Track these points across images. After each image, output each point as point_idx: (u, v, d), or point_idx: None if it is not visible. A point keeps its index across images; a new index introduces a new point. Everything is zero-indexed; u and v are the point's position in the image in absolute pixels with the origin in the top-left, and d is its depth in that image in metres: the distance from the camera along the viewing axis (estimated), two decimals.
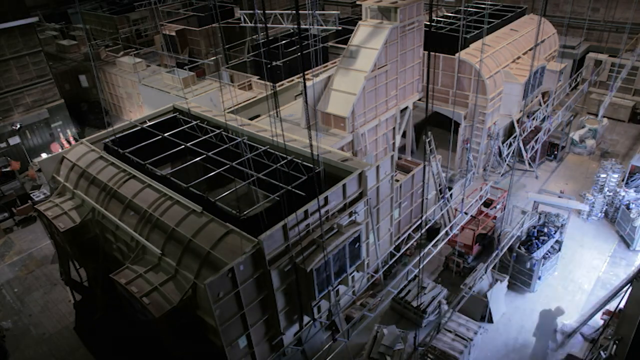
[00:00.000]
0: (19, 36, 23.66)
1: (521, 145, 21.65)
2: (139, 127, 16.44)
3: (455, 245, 16.92)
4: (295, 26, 19.07)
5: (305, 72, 17.44)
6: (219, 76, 21.51)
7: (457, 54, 20.44)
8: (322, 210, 11.94)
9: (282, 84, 21.16)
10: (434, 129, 21.13)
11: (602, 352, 12.20)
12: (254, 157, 14.18)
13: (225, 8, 30.05)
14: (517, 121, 21.61)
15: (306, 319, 12.54)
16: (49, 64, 26.01)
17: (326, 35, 25.49)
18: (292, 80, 20.44)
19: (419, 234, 15.51)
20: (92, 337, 15.82)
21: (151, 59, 29.58)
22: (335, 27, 19.91)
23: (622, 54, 26.06)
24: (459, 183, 20.53)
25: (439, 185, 17.22)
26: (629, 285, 11.73)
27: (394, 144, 21.19)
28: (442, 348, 13.22)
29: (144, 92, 23.69)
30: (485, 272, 15.06)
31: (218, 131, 15.58)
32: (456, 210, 17.43)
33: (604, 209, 19.07)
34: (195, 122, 16.48)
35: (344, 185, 12.52)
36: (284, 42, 22.22)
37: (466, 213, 16.72)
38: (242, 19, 20.15)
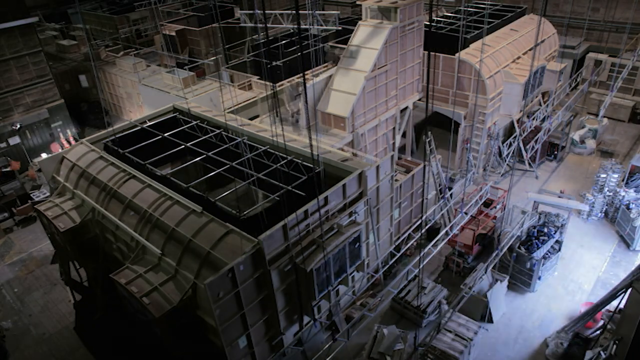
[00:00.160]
0: (19, 36, 23.66)
1: (521, 145, 21.66)
2: (139, 127, 16.43)
3: (455, 245, 16.92)
4: (295, 26, 19.07)
5: (305, 72, 17.48)
6: (219, 76, 21.48)
7: (457, 54, 20.44)
8: (322, 210, 11.94)
9: (282, 84, 21.14)
10: (434, 129, 21.13)
11: (602, 352, 12.21)
12: (254, 157, 14.18)
13: (225, 8, 30.04)
14: (517, 121, 21.61)
15: (306, 319, 12.53)
16: (49, 64, 26.01)
17: (326, 35, 25.49)
18: (292, 80, 20.36)
19: (419, 234, 15.50)
20: (92, 337, 15.82)
21: (151, 59, 29.56)
22: (335, 27, 19.89)
23: (622, 54, 26.06)
24: (459, 183, 20.53)
25: (439, 185, 17.22)
26: (629, 285, 11.73)
27: (393, 144, 21.19)
28: (442, 348, 13.23)
29: (144, 92, 23.69)
30: (485, 272, 15.06)
31: (218, 131, 15.58)
32: (456, 210, 17.43)
33: (604, 209, 19.07)
34: (195, 122, 16.48)
35: (344, 185, 12.52)
36: (284, 42, 22.21)
37: (466, 213, 16.72)
38: (242, 20, 20.15)
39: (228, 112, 16.57)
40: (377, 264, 14.80)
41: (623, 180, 19.39)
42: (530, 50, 23.26)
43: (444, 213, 17.34)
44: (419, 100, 21.67)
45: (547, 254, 16.18)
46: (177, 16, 30.21)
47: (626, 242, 17.82)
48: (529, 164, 22.24)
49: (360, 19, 19.92)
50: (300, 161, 13.31)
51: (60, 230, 13.81)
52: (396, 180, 14.94)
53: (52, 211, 14.49)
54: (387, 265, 15.68)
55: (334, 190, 12.26)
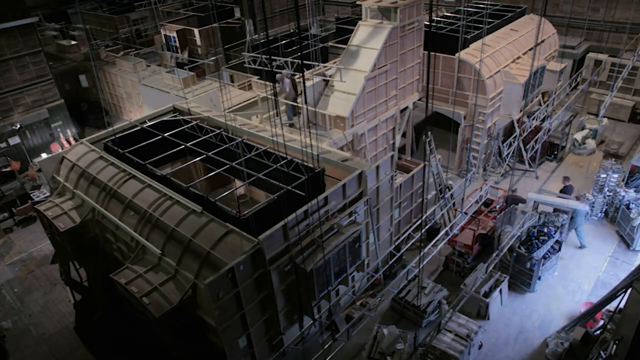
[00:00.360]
0: (19, 36, 23.65)
1: (521, 145, 21.66)
2: (139, 127, 16.44)
3: (455, 245, 16.92)
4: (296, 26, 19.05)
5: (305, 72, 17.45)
6: (219, 76, 21.49)
7: (457, 54, 20.44)
8: (322, 210, 11.95)
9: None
10: (434, 129, 21.12)
11: (602, 352, 12.21)
12: (254, 157, 14.19)
13: (225, 8, 30.05)
14: (517, 121, 21.62)
15: (306, 319, 12.54)
16: (49, 64, 26.01)
17: (326, 35, 25.51)
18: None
19: (419, 234, 15.50)
20: (92, 337, 15.83)
21: (151, 59, 29.56)
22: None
23: (622, 54, 26.06)
24: (459, 183, 20.55)
25: (439, 185, 17.23)
26: (629, 285, 11.73)
27: (393, 144, 21.19)
28: (442, 348, 13.23)
29: (144, 92, 23.69)
30: (486, 272, 15.07)
31: (218, 131, 15.58)
32: (456, 210, 17.44)
33: (604, 209, 19.07)
34: (195, 122, 16.48)
35: (344, 185, 12.52)
36: (284, 42, 22.22)
37: (466, 213, 16.72)
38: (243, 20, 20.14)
39: (228, 112, 16.57)
40: (377, 264, 14.80)
41: (623, 180, 19.39)
42: (530, 50, 23.26)
43: (444, 213, 17.35)
44: (419, 100, 21.67)
45: (547, 254, 16.18)
46: (177, 16, 30.22)
47: (626, 242, 17.82)
48: (529, 164, 22.25)
49: (360, 19, 19.92)
50: (300, 161, 13.31)
51: (60, 230, 13.81)
52: (396, 180, 14.95)
53: (52, 211, 14.49)
54: (387, 265, 15.68)
55: (334, 190, 12.27)
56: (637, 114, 25.88)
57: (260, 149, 14.44)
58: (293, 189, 12.17)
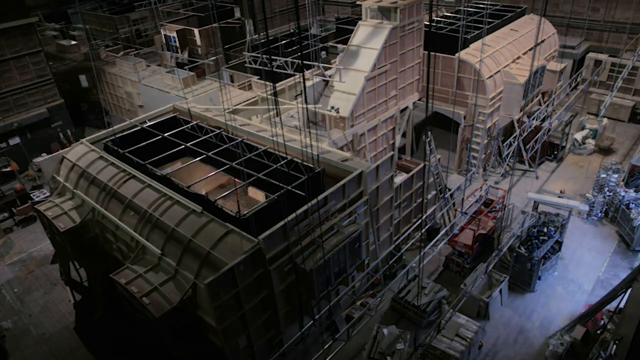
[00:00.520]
0: (19, 36, 23.65)
1: (521, 145, 21.65)
2: (139, 127, 16.43)
3: (455, 245, 16.92)
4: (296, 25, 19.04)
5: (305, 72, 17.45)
6: (219, 76, 21.47)
7: (457, 54, 20.44)
8: (322, 210, 11.94)
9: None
10: (434, 129, 21.12)
11: (602, 352, 12.21)
12: (254, 157, 14.18)
13: (225, 8, 30.03)
14: (517, 121, 21.61)
15: (306, 319, 12.53)
16: (49, 64, 26.01)
17: (326, 35, 25.50)
18: (295, 78, 20.32)
19: (419, 234, 15.49)
20: (92, 337, 15.82)
21: (151, 59, 29.56)
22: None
23: (622, 54, 26.06)
24: (459, 183, 20.54)
25: (439, 186, 17.22)
26: (629, 285, 11.73)
27: (393, 144, 21.19)
28: (442, 348, 13.22)
29: (144, 92, 23.68)
30: (486, 272, 15.06)
31: (218, 131, 15.57)
32: (456, 210, 17.43)
33: (604, 209, 19.07)
34: (195, 122, 16.48)
35: (343, 185, 12.52)
36: (284, 42, 22.22)
37: (466, 213, 16.72)
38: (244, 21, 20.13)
39: (228, 112, 16.57)
40: (377, 264, 14.79)
41: (623, 180, 19.39)
42: (530, 50, 23.25)
43: (444, 213, 17.34)
44: (419, 100, 21.67)
45: (547, 254, 16.18)
46: (177, 16, 30.22)
47: (626, 242, 17.82)
48: (529, 164, 22.24)
49: (360, 19, 19.92)
50: (300, 161, 13.30)
51: (60, 230, 13.80)
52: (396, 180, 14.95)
53: (52, 211, 14.48)
54: (387, 265, 15.68)
55: (334, 190, 12.27)
56: (637, 114, 25.87)
57: (260, 149, 14.44)
58: (293, 189, 12.17)
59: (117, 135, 15.51)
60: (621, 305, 12.18)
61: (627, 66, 24.53)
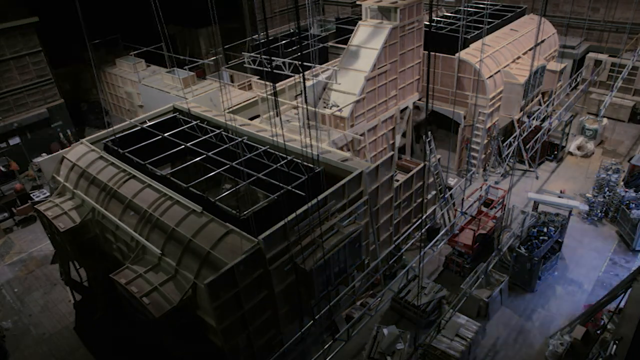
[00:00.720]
0: (19, 36, 23.65)
1: (521, 145, 21.65)
2: (139, 127, 16.44)
3: (455, 245, 16.92)
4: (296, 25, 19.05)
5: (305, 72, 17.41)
6: (219, 76, 21.48)
7: (457, 54, 20.44)
8: (322, 210, 11.95)
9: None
10: (434, 128, 21.15)
11: (602, 352, 12.21)
12: (254, 157, 14.19)
13: (225, 8, 30.01)
14: (517, 121, 21.61)
15: (306, 319, 12.53)
16: (49, 63, 26.00)
17: (326, 35, 25.51)
18: (295, 78, 20.34)
19: (419, 234, 15.49)
20: (92, 337, 15.82)
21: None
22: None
23: (622, 54, 26.06)
24: (459, 183, 20.54)
25: (439, 186, 17.22)
26: (629, 285, 11.73)
27: (393, 144, 21.19)
28: (442, 348, 13.22)
29: (144, 92, 23.68)
30: (486, 272, 15.06)
31: (218, 131, 15.58)
32: (456, 210, 17.43)
33: (604, 209, 19.07)
34: (195, 122, 16.48)
35: (343, 185, 12.52)
36: (284, 42, 22.22)
37: (466, 213, 16.72)
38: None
39: (228, 112, 16.57)
40: (377, 264, 14.79)
41: (623, 180, 19.39)
42: (530, 50, 23.26)
43: (444, 213, 17.34)
44: (419, 100, 21.67)
45: (547, 254, 16.17)
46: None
47: (626, 242, 17.82)
48: (529, 164, 22.24)
49: (360, 19, 19.92)
50: (300, 161, 13.31)
51: (60, 230, 13.80)
52: (396, 180, 14.95)
53: (52, 211, 14.48)
54: (387, 265, 15.68)
55: (334, 190, 12.26)
56: (637, 114, 25.87)
57: (260, 149, 14.44)
58: (293, 189, 12.17)
59: (117, 135, 15.51)
60: (621, 305, 12.18)
61: (627, 66, 24.53)
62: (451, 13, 26.04)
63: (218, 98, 20.03)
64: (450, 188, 18.80)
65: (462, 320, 14.02)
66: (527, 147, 21.70)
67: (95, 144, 15.90)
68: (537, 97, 23.74)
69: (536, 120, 22.14)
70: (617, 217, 18.43)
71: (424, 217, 16.36)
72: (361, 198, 13.23)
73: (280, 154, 13.68)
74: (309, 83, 18.00)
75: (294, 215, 11.12)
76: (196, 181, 13.20)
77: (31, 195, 21.85)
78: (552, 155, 22.98)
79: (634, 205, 17.77)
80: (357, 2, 20.37)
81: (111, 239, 13.86)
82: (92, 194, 14.22)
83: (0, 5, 22.74)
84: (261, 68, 19.97)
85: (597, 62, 27.17)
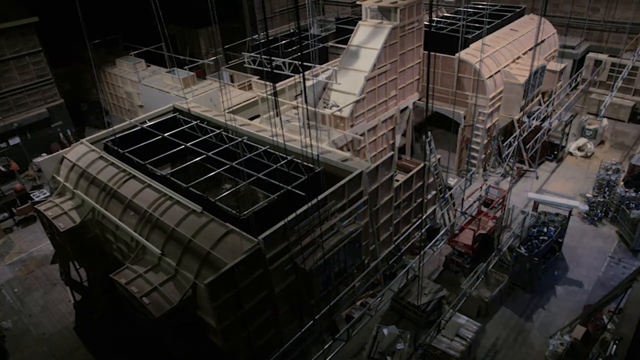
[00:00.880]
0: (19, 36, 23.65)
1: (521, 145, 21.65)
2: (139, 127, 16.44)
3: (455, 245, 16.91)
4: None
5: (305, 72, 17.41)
6: (219, 76, 21.49)
7: (457, 54, 20.44)
8: (322, 210, 11.95)
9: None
10: (434, 128, 21.14)
11: (602, 352, 12.21)
12: (254, 157, 14.19)
13: (226, 8, 30.01)
14: (517, 121, 21.62)
15: (306, 319, 12.53)
16: (49, 63, 26.01)
17: (326, 35, 25.51)
18: (295, 78, 20.36)
19: (419, 234, 15.49)
20: (92, 337, 15.82)
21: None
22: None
23: (622, 54, 26.06)
24: (459, 183, 20.54)
25: (439, 186, 17.22)
26: (629, 285, 11.74)
27: (393, 143, 21.19)
28: (442, 348, 13.23)
29: (144, 92, 23.69)
30: (486, 272, 15.06)
31: (218, 131, 15.58)
32: (456, 210, 17.43)
33: (604, 209, 19.06)
34: (195, 122, 16.48)
35: (343, 185, 12.52)
36: (284, 42, 22.22)
37: (466, 213, 16.72)
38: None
39: (228, 112, 16.57)
40: (377, 264, 14.79)
41: (623, 180, 19.38)
42: (530, 50, 23.26)
43: (444, 213, 17.34)
44: (419, 100, 21.66)
45: (547, 254, 16.17)
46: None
47: (626, 242, 17.82)
48: (529, 164, 22.24)
49: (360, 19, 19.93)
50: (300, 161, 13.31)
51: (60, 230, 13.81)
52: (396, 180, 14.95)
53: (52, 211, 14.48)
54: (387, 265, 15.68)
55: (334, 190, 12.26)
56: (637, 114, 25.87)
57: (260, 149, 14.44)
58: (293, 189, 12.17)
59: (117, 135, 15.52)
60: (621, 305, 12.18)
61: (627, 66, 24.53)
62: (451, 13, 26.05)
63: (218, 98, 20.04)
64: (450, 188, 18.80)
65: (462, 320, 14.02)
66: (527, 147, 21.70)
67: (95, 144, 15.90)
68: (537, 97, 23.74)
69: (536, 120, 22.14)
70: (617, 217, 18.43)
71: (424, 217, 16.36)
72: (361, 198, 13.23)
73: (280, 154, 13.68)
74: (309, 83, 18.00)
75: (294, 215, 11.12)
76: (196, 181, 13.20)
77: (31, 195, 21.85)
78: (552, 155, 22.98)
79: (634, 205, 17.78)
80: (357, 2, 20.38)
81: (111, 239, 13.86)
82: (92, 194, 14.22)
83: (0, 5, 22.74)
84: (261, 68, 19.99)
85: (597, 62, 27.17)
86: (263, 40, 22.53)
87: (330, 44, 24.26)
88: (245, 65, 21.45)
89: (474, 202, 17.51)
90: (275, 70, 19.53)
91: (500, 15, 24.94)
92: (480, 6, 26.54)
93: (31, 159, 24.91)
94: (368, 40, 18.64)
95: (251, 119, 18.38)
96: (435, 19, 24.53)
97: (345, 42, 20.56)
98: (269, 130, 15.75)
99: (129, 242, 12.90)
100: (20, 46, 23.88)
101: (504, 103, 21.75)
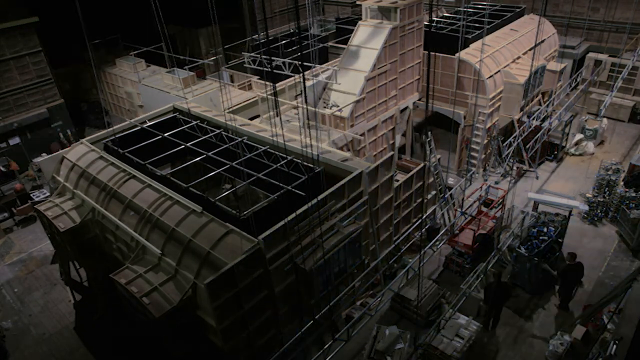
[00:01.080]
0: (19, 36, 23.66)
1: (521, 145, 21.66)
2: (139, 127, 16.45)
3: (455, 245, 16.92)
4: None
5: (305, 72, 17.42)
6: (219, 76, 21.49)
7: (457, 54, 20.44)
8: (322, 210, 11.95)
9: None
10: (434, 128, 21.14)
11: (602, 352, 12.20)
12: (254, 157, 14.19)
13: (226, 8, 30.02)
14: (517, 121, 21.62)
15: (306, 319, 12.53)
16: (49, 63, 26.02)
17: (326, 35, 25.51)
18: (295, 78, 20.37)
19: (419, 234, 15.49)
20: (92, 337, 15.83)
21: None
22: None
23: (622, 54, 26.06)
24: (459, 183, 20.54)
25: (439, 186, 17.23)
26: (629, 285, 11.74)
27: (393, 143, 21.19)
28: (442, 348, 13.22)
29: (144, 92, 23.69)
30: (486, 272, 15.06)
31: (218, 131, 15.59)
32: (456, 210, 17.44)
33: (604, 209, 19.06)
34: (195, 122, 16.49)
35: (343, 185, 12.52)
36: (284, 42, 22.22)
37: (466, 213, 16.72)
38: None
39: (228, 112, 16.58)
40: (377, 264, 14.79)
41: (623, 180, 19.38)
42: (530, 50, 23.26)
43: (444, 213, 17.34)
44: (419, 100, 21.66)
45: (547, 254, 16.16)
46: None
47: (626, 242, 17.82)
48: (529, 164, 22.24)
49: (360, 19, 19.93)
50: (300, 161, 13.31)
51: (60, 230, 13.81)
52: (396, 180, 14.95)
53: (52, 211, 14.49)
54: (387, 265, 15.68)
55: (334, 190, 12.27)
56: (637, 114, 25.87)
57: (260, 149, 14.45)
58: (293, 189, 12.17)
59: (117, 135, 15.52)
60: (621, 305, 12.18)
61: (627, 66, 24.53)
62: (451, 13, 26.05)
63: (218, 98, 20.04)
64: (450, 188, 18.80)
65: (462, 320, 14.02)
66: (527, 147, 21.71)
67: (95, 144, 15.91)
68: (537, 97, 23.74)
69: (536, 120, 22.14)
70: (617, 217, 18.43)
71: (424, 217, 16.36)
72: (361, 198, 13.23)
73: (280, 154, 13.69)
74: (309, 83, 18.00)
75: (294, 215, 11.12)
76: (196, 181, 13.21)
77: (31, 195, 21.85)
78: (552, 155, 22.99)
79: (634, 205, 17.78)
80: (357, 2, 20.38)
81: (111, 239, 13.86)
82: (92, 194, 14.22)
83: (0, 5, 22.74)
84: (261, 68, 19.99)
85: (597, 62, 27.17)
86: (263, 40, 22.53)
87: (330, 44, 24.26)
88: (245, 65, 21.46)
89: (474, 202, 17.51)
90: (275, 70, 19.53)
91: (500, 15, 24.94)
92: (480, 6, 26.54)
93: (31, 159, 24.92)
94: (368, 40, 18.64)
95: (251, 119, 18.38)
96: (435, 19, 24.53)
97: (345, 42, 20.56)
98: (269, 130, 15.75)
99: (129, 242, 12.90)
100: (20, 46, 23.88)
101: (504, 103, 21.75)
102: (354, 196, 13.01)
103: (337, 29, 26.68)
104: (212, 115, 16.95)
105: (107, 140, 15.67)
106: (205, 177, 13.83)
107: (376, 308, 13.76)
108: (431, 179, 16.87)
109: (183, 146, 15.11)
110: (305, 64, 19.38)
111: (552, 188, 20.67)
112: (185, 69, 22.71)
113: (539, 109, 22.69)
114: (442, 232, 16.22)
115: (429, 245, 15.23)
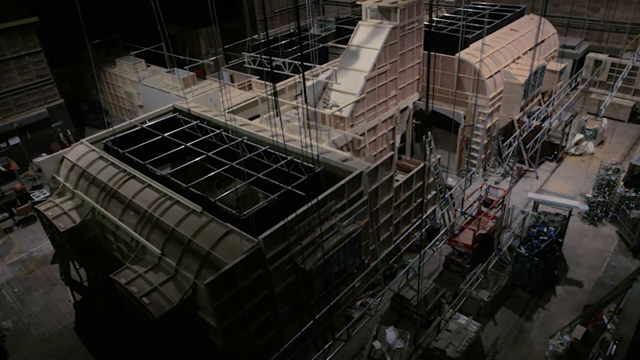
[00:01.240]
0: (19, 36, 23.66)
1: (521, 145, 21.66)
2: (139, 127, 16.44)
3: (455, 245, 16.92)
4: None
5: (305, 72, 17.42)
6: (219, 76, 21.50)
7: (457, 54, 20.44)
8: (322, 210, 11.95)
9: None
10: (434, 128, 21.14)
11: (602, 352, 12.20)
12: (254, 157, 14.19)
13: (226, 8, 30.01)
14: (517, 121, 21.61)
15: (306, 319, 12.53)
16: (49, 63, 26.02)
17: (326, 35, 25.51)
18: (295, 78, 20.37)
19: (419, 234, 15.49)
20: (92, 337, 15.83)
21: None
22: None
23: (622, 54, 26.06)
24: (459, 183, 20.54)
25: (439, 186, 17.23)
26: (629, 285, 11.74)
27: (393, 143, 21.19)
28: (442, 348, 13.22)
29: (144, 92, 23.69)
30: (486, 272, 15.06)
31: (218, 131, 15.58)
32: (456, 210, 17.43)
33: (604, 209, 19.06)
34: (195, 122, 16.49)
35: (343, 185, 12.52)
36: (284, 42, 22.22)
37: (466, 213, 16.72)
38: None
39: (228, 112, 16.57)
40: (377, 264, 14.79)
41: (623, 180, 19.38)
42: (530, 50, 23.26)
43: (444, 213, 17.34)
44: (419, 100, 21.65)
45: (547, 254, 16.16)
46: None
47: (626, 242, 17.82)
48: (529, 164, 22.24)
49: (360, 19, 19.93)
50: (300, 161, 13.31)
51: (60, 230, 13.81)
52: (396, 180, 14.95)
53: (52, 211, 14.49)
54: (387, 265, 15.67)
55: (334, 190, 12.26)
56: (637, 114, 25.87)
57: (260, 149, 14.44)
58: (293, 189, 12.17)
59: (117, 135, 15.52)
60: (621, 305, 12.18)
61: (627, 66, 24.53)
62: (451, 13, 26.04)
63: (218, 98, 20.04)
64: (450, 188, 18.80)
65: (462, 320, 14.01)
66: (527, 147, 21.71)
67: (95, 144, 15.91)
68: (537, 97, 23.74)
69: (536, 120, 22.14)
70: (617, 217, 18.43)
71: (424, 217, 16.36)
72: (361, 198, 13.23)
73: (280, 154, 13.68)
74: (309, 83, 18.00)
75: (294, 215, 11.12)
76: (196, 181, 13.21)
77: (31, 195, 21.85)
78: (552, 155, 22.98)
79: (634, 205, 17.77)
80: (357, 2, 20.38)
81: (111, 239, 13.86)
82: (92, 194, 14.22)
83: (0, 5, 22.74)
84: (261, 68, 19.99)
85: (597, 62, 27.17)
86: (263, 40, 22.53)
87: (330, 44, 24.26)
88: (245, 65, 21.46)
89: (474, 202, 17.51)
90: (275, 70, 19.53)
91: (500, 15, 24.94)
92: (480, 6, 26.54)
93: (31, 159, 24.92)
94: (368, 40, 18.64)
95: (251, 119, 18.38)
96: (435, 19, 24.52)
97: (345, 42, 20.56)
98: (269, 130, 15.75)
99: (129, 242, 12.90)
100: (20, 46, 23.88)
101: (504, 103, 21.74)
102: (354, 196, 13.01)
103: (337, 29, 26.68)
104: (212, 115, 16.95)
105: (107, 140, 15.66)
106: (205, 177, 13.83)
107: (376, 308, 13.76)
108: (431, 179, 16.86)
109: (183, 146, 15.11)
110: (305, 64, 19.41)
111: (552, 188, 20.67)
112: (185, 69, 22.71)
113: (539, 109, 22.68)
114: (442, 232, 16.22)
115: (429, 245, 15.23)
